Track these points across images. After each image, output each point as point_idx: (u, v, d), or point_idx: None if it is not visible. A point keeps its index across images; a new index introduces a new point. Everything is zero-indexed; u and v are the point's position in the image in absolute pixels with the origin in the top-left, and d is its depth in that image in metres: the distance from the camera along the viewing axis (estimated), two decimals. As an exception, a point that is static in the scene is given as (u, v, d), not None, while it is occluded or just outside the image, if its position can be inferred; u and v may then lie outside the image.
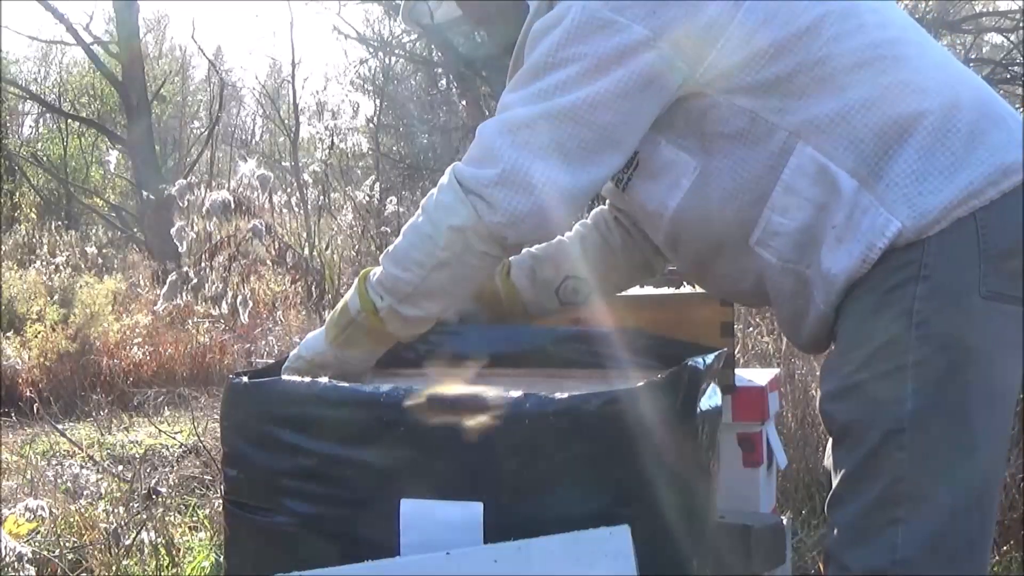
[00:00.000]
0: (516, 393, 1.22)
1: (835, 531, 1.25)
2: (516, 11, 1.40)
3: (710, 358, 1.34)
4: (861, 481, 1.21)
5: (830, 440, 1.31)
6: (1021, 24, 6.02)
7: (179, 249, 4.16)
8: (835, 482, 1.26)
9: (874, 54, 1.23)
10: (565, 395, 1.20)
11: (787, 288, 1.31)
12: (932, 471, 1.17)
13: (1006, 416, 1.24)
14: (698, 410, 1.26)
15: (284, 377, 1.39)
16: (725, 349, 1.49)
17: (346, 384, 1.32)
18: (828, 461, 1.33)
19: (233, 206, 4.10)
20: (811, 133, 1.22)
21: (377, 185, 6.34)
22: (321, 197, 6.49)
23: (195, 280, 4.07)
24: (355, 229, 6.39)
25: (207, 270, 4.13)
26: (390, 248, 1.35)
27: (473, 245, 1.29)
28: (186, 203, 4.04)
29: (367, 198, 6.22)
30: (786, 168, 1.24)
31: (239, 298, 4.21)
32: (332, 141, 6.91)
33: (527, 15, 1.37)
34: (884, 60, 1.23)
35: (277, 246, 4.57)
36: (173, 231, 4.04)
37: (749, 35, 1.23)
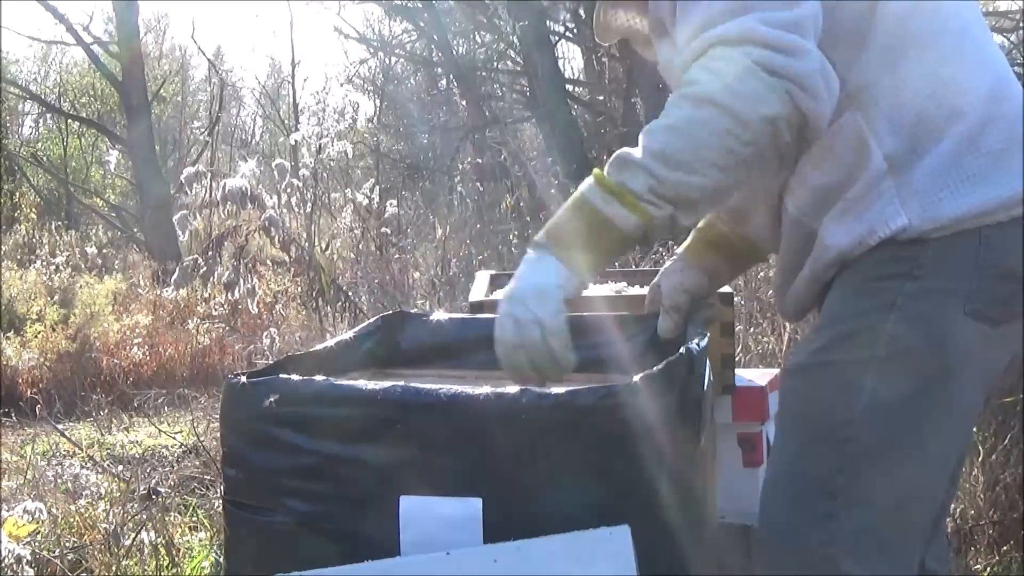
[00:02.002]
0: (513, 388, 1.22)
1: (770, 506, 1.23)
2: None
3: (704, 341, 1.35)
4: (804, 464, 1.20)
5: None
6: (1021, 24, 6.02)
7: (180, 238, 4.19)
8: (777, 446, 1.25)
9: (940, 40, 1.22)
10: (561, 390, 1.20)
11: (794, 242, 1.31)
12: (872, 468, 1.16)
13: (960, 433, 1.23)
14: (696, 397, 1.26)
15: (281, 376, 1.39)
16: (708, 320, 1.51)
17: (344, 383, 1.32)
18: None
19: (250, 194, 4.11)
20: (865, 101, 1.21)
21: (377, 188, 6.36)
22: (309, 203, 6.51)
23: (204, 268, 4.08)
24: (355, 231, 6.40)
25: (216, 259, 4.15)
26: (655, 148, 1.18)
27: (783, 135, 1.18)
28: (194, 191, 4.05)
29: (367, 199, 6.23)
30: (833, 125, 1.21)
31: (247, 286, 4.22)
32: (319, 146, 6.90)
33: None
34: (945, 49, 1.22)
35: (282, 237, 4.59)
36: (176, 218, 4.05)
37: None
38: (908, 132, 1.19)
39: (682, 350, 1.24)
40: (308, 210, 6.25)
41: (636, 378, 1.20)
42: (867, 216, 1.20)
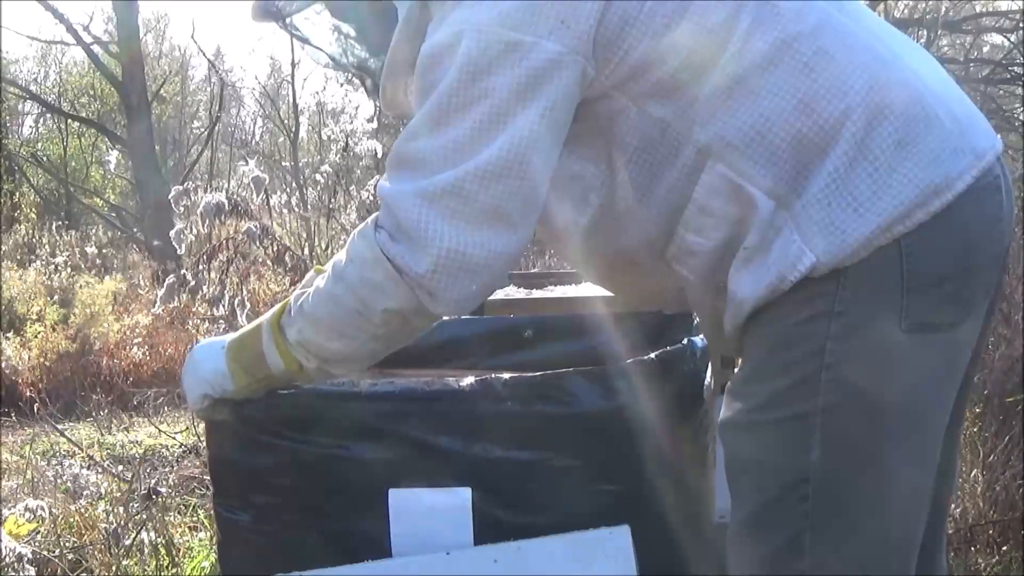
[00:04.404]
0: (497, 376, 1.23)
1: (743, 564, 1.15)
2: (384, 12, 1.24)
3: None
4: (764, 527, 1.12)
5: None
6: (1021, 24, 6.01)
7: (178, 251, 4.17)
8: (735, 506, 1.16)
9: (790, 51, 1.08)
10: (540, 374, 1.21)
11: (707, 300, 1.20)
12: (837, 525, 1.09)
13: (928, 456, 1.13)
14: (695, 392, 1.26)
15: None
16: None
17: (327, 386, 1.32)
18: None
19: (228, 208, 4.10)
20: (723, 150, 1.09)
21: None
22: (331, 200, 6.46)
23: (192, 282, 4.08)
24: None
25: (205, 272, 4.14)
26: (305, 308, 1.21)
27: (412, 322, 1.19)
28: (183, 208, 4.04)
29: (371, 198, 6.22)
30: (698, 186, 1.11)
31: (236, 300, 4.22)
32: (347, 143, 6.82)
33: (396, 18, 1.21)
34: (801, 57, 1.08)
35: (275, 248, 4.57)
36: (172, 233, 4.05)
37: (661, 29, 1.09)
38: (783, 159, 1.08)
39: (683, 342, 1.24)
40: (310, 209, 6.25)
41: (627, 361, 1.20)
42: (771, 260, 1.09)
